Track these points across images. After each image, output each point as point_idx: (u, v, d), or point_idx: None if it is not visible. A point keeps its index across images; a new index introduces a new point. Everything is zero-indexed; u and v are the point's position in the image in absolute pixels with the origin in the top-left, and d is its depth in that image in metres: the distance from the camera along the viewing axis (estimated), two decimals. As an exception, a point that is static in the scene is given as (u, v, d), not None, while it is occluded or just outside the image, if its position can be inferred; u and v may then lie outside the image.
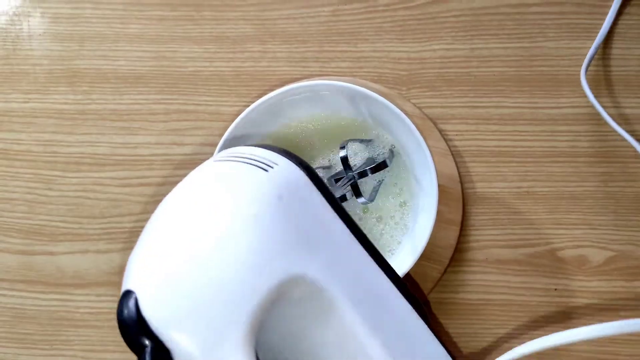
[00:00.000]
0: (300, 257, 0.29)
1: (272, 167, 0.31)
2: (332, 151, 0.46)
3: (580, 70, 0.47)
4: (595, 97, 0.46)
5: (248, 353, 0.26)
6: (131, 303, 0.26)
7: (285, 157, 0.32)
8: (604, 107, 0.46)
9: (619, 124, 0.46)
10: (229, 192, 0.29)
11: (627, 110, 0.46)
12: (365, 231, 0.45)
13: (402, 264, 0.42)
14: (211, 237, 0.28)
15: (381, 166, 0.43)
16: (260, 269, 0.27)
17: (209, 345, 0.26)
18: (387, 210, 0.45)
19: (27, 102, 0.49)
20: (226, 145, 0.44)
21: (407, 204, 0.45)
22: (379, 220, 0.45)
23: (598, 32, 0.47)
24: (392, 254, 0.45)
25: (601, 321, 0.46)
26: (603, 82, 0.47)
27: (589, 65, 0.46)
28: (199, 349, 0.26)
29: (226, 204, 0.29)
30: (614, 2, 0.47)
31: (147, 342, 0.26)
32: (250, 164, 0.31)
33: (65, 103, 0.49)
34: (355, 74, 0.48)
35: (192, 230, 0.28)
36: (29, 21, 0.50)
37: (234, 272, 0.27)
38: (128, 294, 0.27)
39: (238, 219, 0.28)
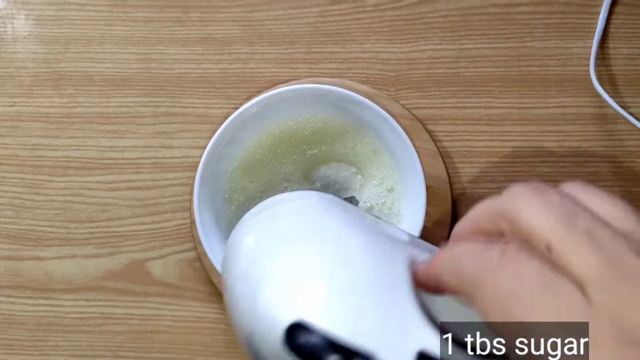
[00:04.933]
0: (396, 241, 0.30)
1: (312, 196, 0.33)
2: (322, 152, 0.46)
3: (568, 70, 0.47)
4: (594, 96, 0.46)
5: (424, 319, 0.26)
6: (310, 331, 0.26)
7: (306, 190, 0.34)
8: (603, 106, 0.46)
9: (628, 121, 0.46)
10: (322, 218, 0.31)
11: (632, 110, 0.46)
12: None
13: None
14: (339, 251, 0.28)
15: (352, 201, 0.44)
16: (390, 253, 0.28)
17: (393, 330, 0.26)
18: (374, 213, 0.45)
19: (13, 105, 0.49)
20: (215, 149, 0.44)
21: (395, 206, 0.45)
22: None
23: (586, 32, 0.47)
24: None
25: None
26: (606, 81, 0.47)
27: (596, 64, 0.46)
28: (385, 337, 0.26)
29: (329, 226, 0.30)
30: (605, 1, 0.47)
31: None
32: (295, 201, 0.33)
33: (51, 106, 0.48)
34: (343, 75, 0.48)
35: (319, 255, 0.28)
36: (12, 23, 0.49)
37: (372, 266, 0.28)
38: (297, 326, 0.26)
39: (342, 233, 0.30)
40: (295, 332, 0.26)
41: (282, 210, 0.32)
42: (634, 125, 0.45)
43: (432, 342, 0.25)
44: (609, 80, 0.47)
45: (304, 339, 0.25)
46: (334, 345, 0.25)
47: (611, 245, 0.21)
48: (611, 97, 0.46)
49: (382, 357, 0.25)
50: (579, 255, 0.21)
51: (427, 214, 0.43)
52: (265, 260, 0.29)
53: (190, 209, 0.47)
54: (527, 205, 0.23)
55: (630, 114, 0.46)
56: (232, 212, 0.46)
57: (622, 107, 0.46)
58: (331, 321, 0.26)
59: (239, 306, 0.29)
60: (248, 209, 0.46)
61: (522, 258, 0.21)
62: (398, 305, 0.26)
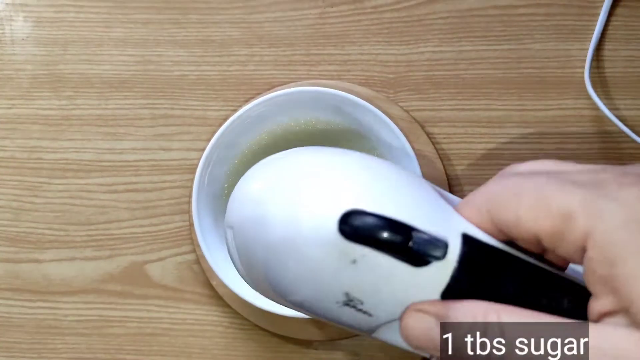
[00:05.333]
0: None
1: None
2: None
3: (566, 72, 0.47)
4: (589, 99, 0.46)
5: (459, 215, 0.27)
6: (365, 214, 0.25)
7: None
8: (598, 108, 0.46)
9: (616, 125, 0.46)
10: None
11: (624, 112, 0.46)
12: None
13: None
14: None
15: None
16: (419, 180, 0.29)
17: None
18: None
19: (11, 108, 0.49)
20: (214, 151, 0.44)
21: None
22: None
23: (585, 34, 0.47)
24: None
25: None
26: (599, 84, 0.47)
27: (591, 67, 0.46)
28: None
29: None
30: (604, 3, 0.47)
31: (396, 235, 0.25)
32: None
33: (50, 109, 0.48)
34: (342, 77, 0.48)
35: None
36: (11, 25, 0.49)
37: (406, 175, 0.28)
38: (354, 212, 0.25)
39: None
40: (350, 218, 0.25)
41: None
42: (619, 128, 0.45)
43: (472, 229, 0.26)
44: (603, 83, 0.47)
45: (360, 221, 0.25)
46: (391, 224, 0.25)
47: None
48: (604, 100, 0.46)
49: (436, 234, 0.25)
50: None
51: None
52: (303, 165, 0.28)
53: (189, 212, 0.47)
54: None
55: (622, 116, 0.46)
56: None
57: (614, 109, 0.46)
58: (383, 207, 0.25)
59: (274, 217, 0.27)
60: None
61: None
62: (438, 203, 0.27)
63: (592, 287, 0.22)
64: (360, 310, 0.26)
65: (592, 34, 0.47)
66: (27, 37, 0.49)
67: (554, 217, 0.22)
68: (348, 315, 0.26)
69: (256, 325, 0.47)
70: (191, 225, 0.46)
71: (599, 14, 0.47)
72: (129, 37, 0.48)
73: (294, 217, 0.26)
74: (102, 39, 0.48)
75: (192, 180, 0.46)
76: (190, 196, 0.46)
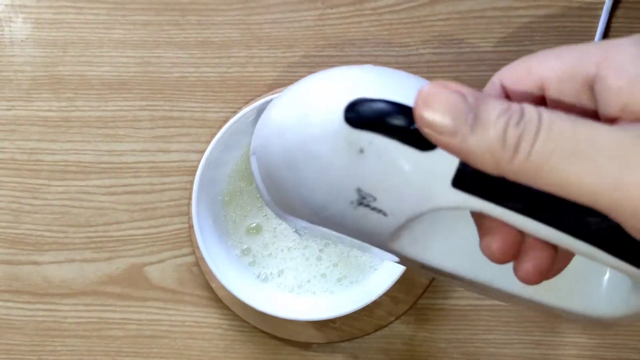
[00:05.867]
0: None
1: None
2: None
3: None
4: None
5: None
6: (371, 101, 0.24)
7: None
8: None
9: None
10: None
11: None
12: (349, 244, 0.45)
13: (387, 277, 0.42)
14: None
15: None
16: None
17: None
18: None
19: (10, 109, 0.48)
20: (213, 153, 0.43)
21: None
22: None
23: (586, 36, 0.47)
24: (374, 269, 0.45)
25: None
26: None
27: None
28: None
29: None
30: (605, 5, 0.46)
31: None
32: None
33: (49, 110, 0.48)
34: (342, 79, 0.48)
35: None
36: (10, 27, 0.49)
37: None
38: (359, 101, 0.25)
39: None
40: (355, 106, 0.25)
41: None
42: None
43: None
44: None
45: (365, 106, 0.24)
46: (395, 107, 0.24)
47: None
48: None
49: None
50: None
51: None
52: (311, 80, 0.28)
53: (188, 214, 0.47)
54: None
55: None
56: (231, 217, 0.46)
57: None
58: (387, 93, 0.25)
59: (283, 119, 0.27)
60: (246, 214, 0.46)
61: None
62: None
63: (602, 103, 0.21)
64: (374, 208, 0.25)
65: (593, 36, 0.47)
66: (27, 38, 0.49)
67: (568, 59, 0.22)
68: (364, 218, 0.25)
69: (255, 328, 0.47)
70: (190, 227, 0.46)
71: (599, 16, 0.47)
72: (128, 39, 0.48)
73: (302, 118, 0.26)
74: (101, 40, 0.48)
75: (191, 182, 0.45)
76: (189, 198, 0.46)
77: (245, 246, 0.46)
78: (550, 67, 0.23)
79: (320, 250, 0.45)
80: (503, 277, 0.27)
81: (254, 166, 0.30)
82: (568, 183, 0.19)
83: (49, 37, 0.49)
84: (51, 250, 0.48)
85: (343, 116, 0.24)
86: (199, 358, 0.48)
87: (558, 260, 0.24)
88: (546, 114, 0.19)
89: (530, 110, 0.20)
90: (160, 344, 0.48)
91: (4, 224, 0.48)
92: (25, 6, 0.49)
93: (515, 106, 0.20)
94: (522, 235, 0.23)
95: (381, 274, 0.44)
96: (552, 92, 0.23)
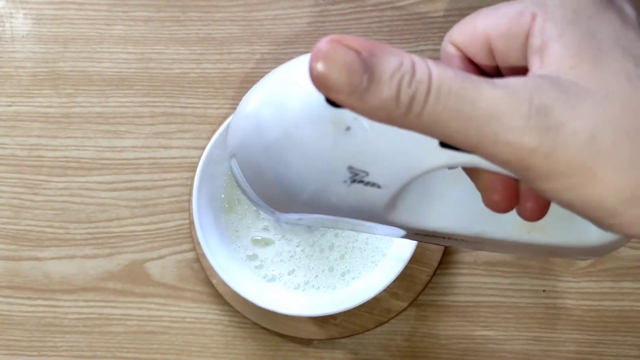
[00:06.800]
0: None
1: None
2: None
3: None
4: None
5: None
6: None
7: None
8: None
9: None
10: None
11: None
12: (350, 240, 0.45)
13: (388, 273, 0.42)
14: None
15: None
16: None
17: None
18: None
19: (11, 105, 0.48)
20: (214, 150, 0.43)
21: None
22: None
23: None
24: (375, 265, 0.45)
25: (589, 324, 0.47)
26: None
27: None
28: None
29: None
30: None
31: None
32: None
33: (50, 106, 0.48)
34: (343, 75, 0.48)
35: None
36: (11, 22, 0.49)
37: None
38: None
39: None
40: None
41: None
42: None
43: None
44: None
45: None
46: None
47: None
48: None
49: None
50: None
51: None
52: (281, 71, 0.28)
53: (189, 210, 0.47)
54: None
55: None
56: (231, 213, 0.46)
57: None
58: None
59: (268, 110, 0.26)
60: (247, 211, 0.46)
61: None
62: None
63: (529, 61, 0.23)
64: (368, 183, 0.25)
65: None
66: (27, 34, 0.49)
67: (505, 17, 0.23)
68: (359, 194, 0.25)
69: (256, 324, 0.47)
70: (191, 223, 0.46)
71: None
72: (129, 35, 0.48)
73: (280, 108, 0.26)
74: (102, 36, 0.48)
75: (192, 178, 0.45)
76: (190, 194, 0.46)
77: (251, 252, 0.46)
78: (494, 27, 0.24)
79: (331, 241, 0.45)
80: (500, 226, 0.28)
81: (235, 169, 0.29)
82: (456, 139, 0.21)
83: (50, 33, 0.49)
84: (52, 246, 0.48)
85: (324, 98, 0.24)
86: (200, 354, 0.48)
87: None
88: (435, 73, 0.20)
89: (421, 68, 0.20)
90: (161, 340, 0.48)
91: (5, 220, 0.48)
92: (26, 2, 0.49)
93: (407, 63, 0.20)
94: (516, 181, 0.24)
95: (382, 270, 0.44)
96: (498, 52, 0.24)
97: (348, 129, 0.24)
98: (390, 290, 0.45)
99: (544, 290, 0.47)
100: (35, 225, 0.48)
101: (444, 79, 0.20)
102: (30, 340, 0.48)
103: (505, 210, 0.25)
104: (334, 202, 0.26)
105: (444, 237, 0.29)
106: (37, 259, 0.48)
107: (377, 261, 0.45)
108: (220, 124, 0.44)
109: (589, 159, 0.20)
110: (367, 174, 0.25)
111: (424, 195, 0.27)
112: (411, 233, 0.29)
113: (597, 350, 0.46)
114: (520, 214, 0.25)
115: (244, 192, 0.30)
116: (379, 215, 0.27)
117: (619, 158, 0.20)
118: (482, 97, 0.20)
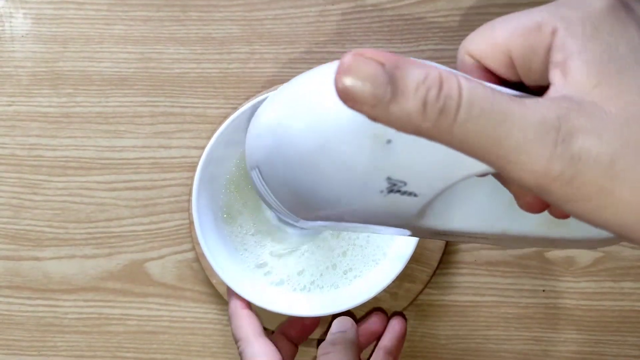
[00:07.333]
0: None
1: None
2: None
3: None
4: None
5: None
6: None
7: None
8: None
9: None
10: None
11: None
12: (351, 238, 0.45)
13: (389, 272, 0.42)
14: None
15: None
16: None
17: None
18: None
19: (11, 105, 0.48)
20: (214, 150, 0.43)
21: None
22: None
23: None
24: (376, 263, 0.45)
25: (589, 323, 0.47)
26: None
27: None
28: None
29: None
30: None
31: None
32: None
33: (50, 106, 0.48)
34: (343, 75, 0.48)
35: None
36: (11, 22, 0.49)
37: None
38: None
39: None
40: None
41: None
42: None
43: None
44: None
45: None
46: None
47: None
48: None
49: None
50: None
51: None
52: (304, 80, 0.28)
53: (188, 210, 0.47)
54: None
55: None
56: (231, 214, 0.46)
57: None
58: None
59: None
60: (247, 212, 0.46)
61: None
62: None
63: (550, 74, 0.23)
64: (405, 192, 0.25)
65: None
66: (27, 34, 0.49)
67: (526, 30, 0.23)
68: (393, 203, 0.25)
69: (256, 324, 0.47)
70: (191, 223, 0.46)
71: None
72: (129, 35, 0.48)
73: (317, 120, 0.26)
74: (102, 36, 0.48)
75: (192, 178, 0.45)
76: (190, 194, 0.46)
77: (262, 261, 0.46)
78: (514, 41, 0.24)
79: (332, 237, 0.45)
80: (523, 224, 0.28)
81: (258, 180, 0.29)
82: (480, 157, 0.21)
83: (50, 32, 0.48)
84: (52, 246, 0.48)
85: None
86: (199, 354, 0.48)
87: None
88: (466, 89, 0.20)
89: (450, 83, 0.20)
90: (161, 339, 0.48)
91: (5, 220, 0.48)
92: (26, 2, 0.49)
93: (433, 75, 0.20)
94: None
95: (382, 269, 0.44)
96: (519, 65, 0.24)
97: (389, 141, 0.24)
98: (390, 290, 0.45)
99: (543, 290, 0.47)
100: (34, 225, 0.48)
101: (475, 97, 0.20)
102: (30, 340, 0.48)
103: (539, 211, 0.25)
104: (367, 211, 0.26)
105: (464, 236, 0.29)
106: (36, 258, 0.48)
107: (378, 260, 0.45)
108: (220, 123, 0.44)
109: (608, 183, 0.20)
110: (405, 183, 0.25)
111: (449, 198, 0.27)
112: (431, 233, 0.29)
113: (597, 350, 0.46)
114: (551, 212, 0.26)
115: (265, 201, 0.30)
116: (408, 221, 0.27)
117: (636, 179, 0.20)
118: (514, 124, 0.20)
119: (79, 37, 0.48)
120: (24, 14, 0.49)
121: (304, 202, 0.28)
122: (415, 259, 0.45)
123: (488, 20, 0.47)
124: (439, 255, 0.46)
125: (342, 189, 0.26)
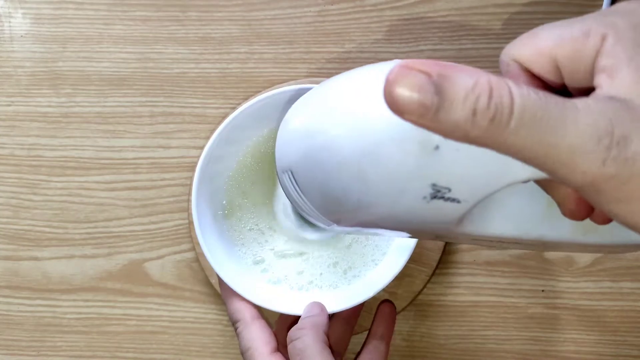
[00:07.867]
0: None
1: None
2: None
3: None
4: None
5: None
6: None
7: None
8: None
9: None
10: None
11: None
12: (350, 238, 0.45)
13: (388, 272, 0.42)
14: None
15: None
16: None
17: None
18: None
19: (10, 105, 0.48)
20: (213, 149, 0.43)
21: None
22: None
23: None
24: (375, 264, 0.45)
25: (588, 324, 0.47)
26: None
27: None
28: None
29: None
30: (604, 1, 0.46)
31: None
32: None
33: (49, 106, 0.48)
34: (342, 75, 0.48)
35: None
36: (10, 22, 0.49)
37: None
38: None
39: None
40: None
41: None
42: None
43: None
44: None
45: None
46: None
47: None
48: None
49: None
50: None
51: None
52: (339, 83, 0.28)
53: (188, 210, 0.47)
54: None
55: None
56: (231, 213, 0.46)
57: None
58: None
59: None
60: (246, 211, 0.46)
61: None
62: None
63: (596, 79, 0.23)
64: (448, 199, 0.25)
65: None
66: (26, 34, 0.49)
67: (573, 37, 0.23)
68: (435, 209, 0.25)
69: (255, 324, 0.47)
70: (190, 223, 0.46)
71: (599, 13, 0.47)
72: (128, 35, 0.48)
73: (361, 126, 0.25)
74: (101, 36, 0.48)
75: (191, 178, 0.45)
76: (189, 194, 0.46)
77: (259, 258, 0.46)
78: (560, 47, 0.24)
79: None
80: (558, 230, 0.28)
81: (289, 183, 0.29)
82: (531, 162, 0.21)
83: (49, 32, 0.48)
84: (51, 246, 0.48)
85: None
86: (199, 354, 0.48)
87: None
88: (518, 96, 0.20)
89: (500, 90, 0.20)
90: (160, 339, 0.48)
91: (4, 220, 0.48)
92: (25, 1, 0.49)
93: (482, 82, 0.20)
94: None
95: (382, 269, 0.44)
96: (565, 71, 0.24)
97: (437, 148, 0.24)
98: (389, 290, 0.45)
99: (543, 290, 0.47)
100: (34, 225, 0.48)
101: (528, 103, 0.20)
102: (30, 340, 0.48)
103: (582, 218, 0.25)
104: (406, 217, 0.26)
105: (497, 241, 0.29)
106: (36, 258, 0.48)
107: (377, 260, 0.45)
108: (219, 123, 0.44)
109: None
110: (449, 190, 0.25)
111: (488, 204, 0.27)
112: (464, 238, 0.29)
113: (597, 350, 0.46)
114: (593, 218, 0.26)
115: (297, 204, 0.30)
116: (447, 228, 0.27)
117: None
118: (567, 128, 0.20)
119: (78, 37, 0.48)
120: (23, 13, 0.49)
121: (340, 206, 0.27)
122: (415, 259, 0.45)
123: (487, 20, 0.48)
124: (438, 255, 0.46)
125: (384, 194, 0.26)
